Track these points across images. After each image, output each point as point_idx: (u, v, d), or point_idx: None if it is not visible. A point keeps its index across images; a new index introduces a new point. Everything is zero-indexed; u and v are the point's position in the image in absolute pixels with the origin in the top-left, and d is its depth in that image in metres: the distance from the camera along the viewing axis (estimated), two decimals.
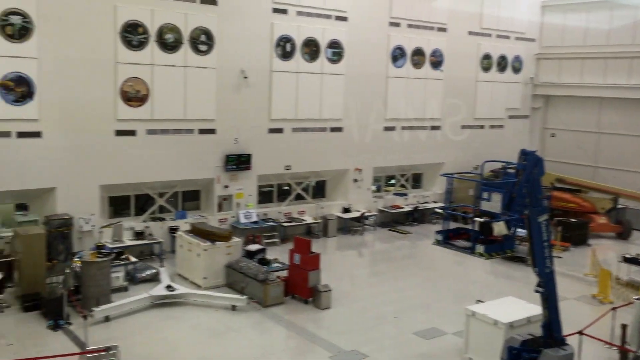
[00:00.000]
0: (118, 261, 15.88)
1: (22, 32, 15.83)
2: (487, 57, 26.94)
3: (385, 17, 23.36)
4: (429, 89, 25.02)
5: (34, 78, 16.07)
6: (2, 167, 15.78)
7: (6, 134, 15.88)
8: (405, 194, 25.19)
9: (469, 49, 26.21)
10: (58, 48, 16.36)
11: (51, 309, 13.17)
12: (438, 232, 21.23)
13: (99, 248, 15.70)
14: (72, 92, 16.68)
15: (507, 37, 27.61)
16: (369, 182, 23.87)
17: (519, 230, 19.92)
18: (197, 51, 18.83)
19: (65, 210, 16.63)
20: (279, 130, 21.10)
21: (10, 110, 15.83)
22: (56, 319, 13.03)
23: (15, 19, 15.73)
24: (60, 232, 16.15)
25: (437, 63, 25.15)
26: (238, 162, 19.96)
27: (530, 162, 10.28)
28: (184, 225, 18.46)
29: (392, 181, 25.96)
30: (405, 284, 17.28)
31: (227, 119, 19.61)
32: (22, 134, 16.09)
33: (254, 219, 20.33)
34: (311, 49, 21.43)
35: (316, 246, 16.85)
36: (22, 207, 17.16)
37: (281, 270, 16.34)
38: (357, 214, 22.78)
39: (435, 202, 25.28)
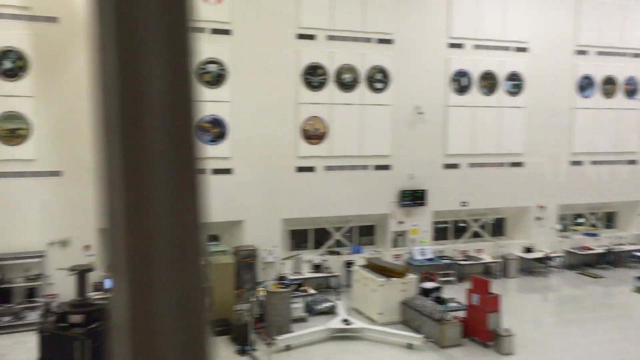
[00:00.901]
0: (298, 292, 16.47)
1: (217, 78, 17.50)
2: None
3: (570, 45, 21.93)
4: (623, 119, 22.81)
5: (226, 120, 17.61)
6: None
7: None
8: (596, 234, 22.96)
9: None
10: (247, 91, 17.78)
11: (239, 335, 13.98)
12: (638, 277, 19.06)
13: (281, 279, 16.44)
14: (258, 131, 17.95)
15: None
16: (553, 220, 22.18)
17: None
18: (373, 89, 19.27)
19: (251, 242, 17.76)
20: (455, 166, 20.61)
21: (206, 150, 17.47)
22: (243, 345, 13.78)
23: (212, 67, 17.44)
24: (247, 262, 17.24)
25: (632, 91, 22.90)
26: (413, 198, 19.81)
27: None
28: (359, 259, 18.66)
29: (581, 220, 23.85)
30: (599, 335, 15.55)
31: (402, 155, 19.65)
32: (216, 171, 17.61)
33: (429, 255, 19.89)
34: (489, 82, 20.80)
35: (495, 287, 15.92)
36: (214, 237, 18.67)
37: (458, 311, 15.67)
38: (540, 255, 21.21)
39: (633, 244, 22.67)
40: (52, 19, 15.63)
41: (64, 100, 15.79)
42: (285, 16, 18.01)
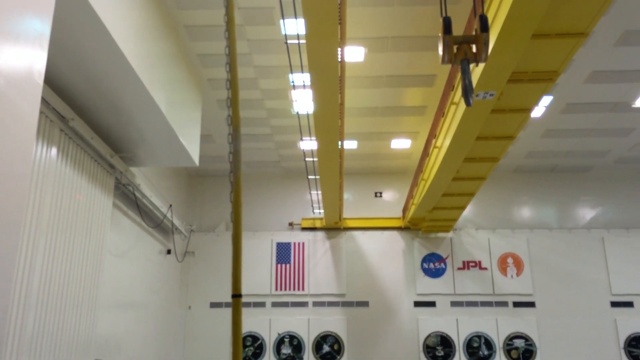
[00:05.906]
0: None
1: (525, 354, 16.30)
2: None
3: None
4: None
5: None
6: None
7: None
8: None
9: None
10: None
11: None
12: None
13: None
14: None
15: None
16: None
17: None
18: None
19: None
20: None
21: None
22: None
23: (519, 343, 16.43)
24: None
25: None
26: None
27: None
28: None
29: None
30: None
31: None
32: None
33: None
34: None
35: None
36: None
37: None
38: None
39: None
40: (363, 303, 16.87)
41: None
42: (595, 283, 16.74)
